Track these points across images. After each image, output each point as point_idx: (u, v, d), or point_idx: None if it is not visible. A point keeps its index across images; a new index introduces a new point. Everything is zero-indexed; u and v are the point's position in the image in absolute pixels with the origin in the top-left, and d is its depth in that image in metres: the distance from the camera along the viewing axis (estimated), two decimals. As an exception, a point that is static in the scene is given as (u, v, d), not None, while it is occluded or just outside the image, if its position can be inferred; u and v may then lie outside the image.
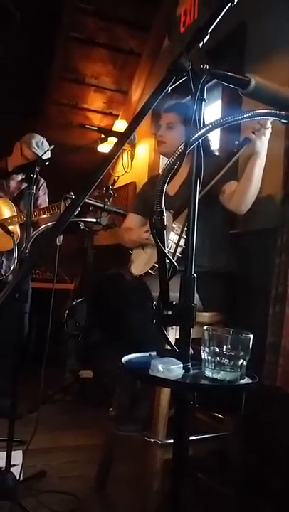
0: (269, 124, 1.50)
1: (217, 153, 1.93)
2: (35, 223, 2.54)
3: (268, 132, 1.53)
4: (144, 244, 1.86)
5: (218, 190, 1.71)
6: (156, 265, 1.67)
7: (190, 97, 0.87)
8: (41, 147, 2.53)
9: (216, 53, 2.00)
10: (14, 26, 3.26)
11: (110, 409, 1.75)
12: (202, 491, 1.62)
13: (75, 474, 1.87)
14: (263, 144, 1.54)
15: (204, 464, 1.70)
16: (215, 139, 2.16)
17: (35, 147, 2.51)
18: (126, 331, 1.58)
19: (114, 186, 3.61)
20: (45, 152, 2.29)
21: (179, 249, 1.53)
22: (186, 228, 1.05)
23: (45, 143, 2.57)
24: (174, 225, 1.61)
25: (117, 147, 0.90)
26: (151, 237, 1.74)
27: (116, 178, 3.64)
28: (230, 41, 2.20)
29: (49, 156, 2.15)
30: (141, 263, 1.83)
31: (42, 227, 1.81)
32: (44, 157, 2.08)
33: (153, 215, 0.91)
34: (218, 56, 2.12)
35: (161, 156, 3.31)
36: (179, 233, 1.61)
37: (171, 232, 1.59)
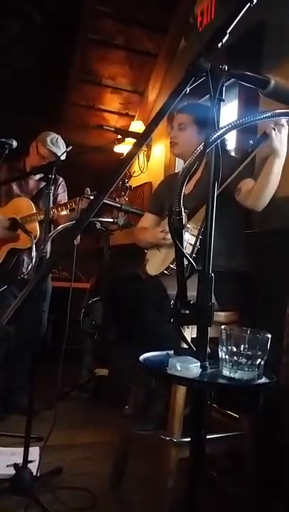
0: (283, 120, 1.49)
1: (233, 154, 1.93)
2: (54, 221, 2.57)
3: (285, 130, 1.51)
4: (158, 244, 1.87)
5: (233, 189, 1.71)
6: (171, 265, 1.68)
7: (204, 97, 0.88)
8: (56, 144, 2.55)
9: (233, 51, 2.00)
10: (33, 29, 3.30)
11: (126, 407, 1.76)
12: (216, 490, 1.62)
13: (90, 471, 1.88)
14: (281, 142, 1.52)
15: (219, 463, 1.70)
16: (231, 139, 2.16)
17: (50, 145, 2.53)
18: (142, 330, 1.59)
19: (130, 185, 3.62)
20: (62, 153, 2.32)
21: (194, 250, 1.53)
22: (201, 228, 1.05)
23: (60, 140, 2.58)
24: (188, 225, 1.61)
25: (136, 148, 0.91)
26: (167, 237, 1.76)
27: (131, 173, 3.66)
28: (248, 39, 2.19)
29: (64, 158, 2.18)
30: (156, 262, 1.84)
31: (60, 227, 1.83)
32: (61, 157, 2.11)
33: (169, 214, 0.91)
34: (235, 54, 2.12)
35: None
36: (193, 233, 1.61)
37: (186, 233, 1.59)
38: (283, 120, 1.48)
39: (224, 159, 0.90)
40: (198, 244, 1.58)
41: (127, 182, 2.05)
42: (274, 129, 1.49)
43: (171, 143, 1.97)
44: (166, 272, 1.70)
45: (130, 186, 2.11)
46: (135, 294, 1.65)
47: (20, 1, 3.24)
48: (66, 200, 2.71)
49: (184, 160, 2.08)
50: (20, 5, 3.22)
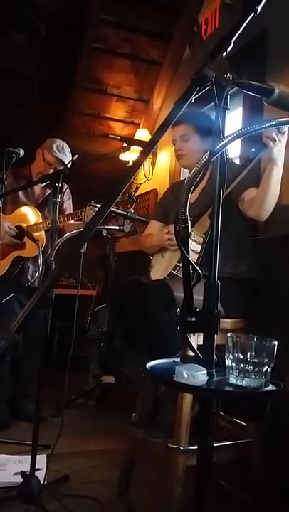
0: (285, 129, 1.49)
1: (235, 161, 1.93)
2: (61, 229, 2.59)
3: (284, 139, 1.51)
4: (164, 247, 1.87)
5: (237, 198, 1.71)
6: (173, 271, 1.69)
7: (208, 105, 0.88)
8: (62, 151, 2.56)
9: (237, 59, 2.01)
10: (39, 38, 3.35)
11: (132, 414, 1.76)
12: (224, 498, 1.61)
13: (97, 479, 1.88)
14: (279, 151, 1.52)
15: (226, 471, 1.69)
16: (235, 147, 2.17)
17: (56, 151, 2.54)
18: (150, 332, 1.58)
19: (136, 194, 3.64)
20: (69, 162, 2.34)
21: (200, 257, 1.54)
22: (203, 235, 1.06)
23: (66, 146, 2.59)
24: (191, 231, 1.61)
25: (142, 157, 0.92)
26: (172, 238, 1.76)
27: (138, 185, 3.67)
28: (252, 47, 2.20)
29: (70, 166, 2.20)
30: (160, 268, 1.85)
31: (66, 235, 1.85)
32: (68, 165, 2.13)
33: (175, 222, 0.92)
34: (239, 62, 2.13)
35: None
36: (196, 240, 1.62)
37: (189, 239, 1.59)
38: (285, 128, 1.48)
39: (227, 167, 0.91)
40: (197, 250, 1.59)
41: (134, 194, 2.07)
42: (274, 140, 1.49)
43: (177, 156, 1.96)
44: (167, 277, 1.70)
45: (136, 199, 2.12)
46: (142, 297, 1.65)
47: (25, 12, 3.29)
48: (71, 207, 2.73)
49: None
50: (26, 15, 3.26)
